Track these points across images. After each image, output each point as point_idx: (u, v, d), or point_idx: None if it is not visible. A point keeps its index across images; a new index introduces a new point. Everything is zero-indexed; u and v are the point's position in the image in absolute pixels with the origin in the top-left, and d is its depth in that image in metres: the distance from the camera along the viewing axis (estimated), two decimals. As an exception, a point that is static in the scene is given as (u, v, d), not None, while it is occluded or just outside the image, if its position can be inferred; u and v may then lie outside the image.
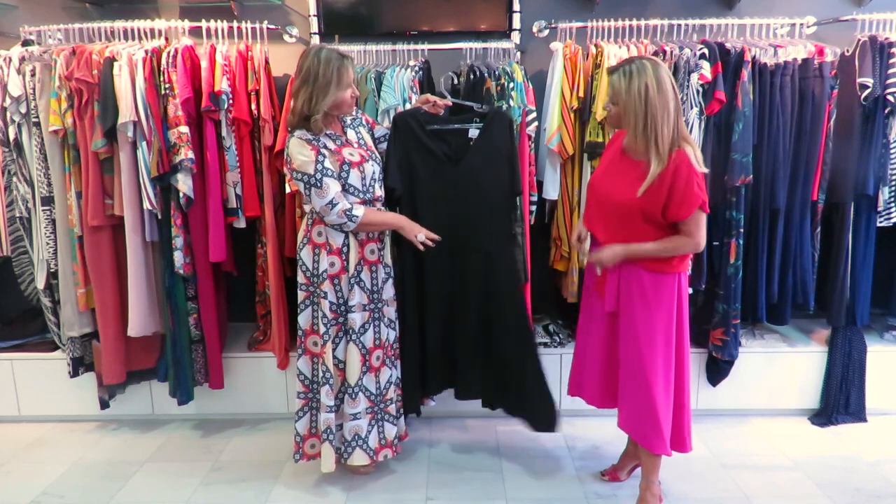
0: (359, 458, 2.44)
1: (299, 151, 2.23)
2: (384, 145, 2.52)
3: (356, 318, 2.37)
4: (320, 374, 2.40)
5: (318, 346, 2.40)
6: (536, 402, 2.58)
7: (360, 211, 2.25)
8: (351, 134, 2.39)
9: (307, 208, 2.37)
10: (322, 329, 2.36)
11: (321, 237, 2.34)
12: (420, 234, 2.35)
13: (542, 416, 2.60)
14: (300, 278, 2.40)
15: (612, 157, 2.25)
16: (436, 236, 2.37)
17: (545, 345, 3.02)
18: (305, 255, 2.37)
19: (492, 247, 2.53)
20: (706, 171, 2.10)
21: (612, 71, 2.10)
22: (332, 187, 2.22)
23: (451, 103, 2.55)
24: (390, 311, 2.48)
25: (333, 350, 2.39)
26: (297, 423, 2.48)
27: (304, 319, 2.42)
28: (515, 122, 2.61)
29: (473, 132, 2.49)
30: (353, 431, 2.42)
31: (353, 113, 2.45)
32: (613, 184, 2.17)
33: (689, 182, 2.00)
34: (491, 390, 2.65)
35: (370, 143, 2.44)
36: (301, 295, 2.41)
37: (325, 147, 2.27)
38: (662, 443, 2.17)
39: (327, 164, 2.24)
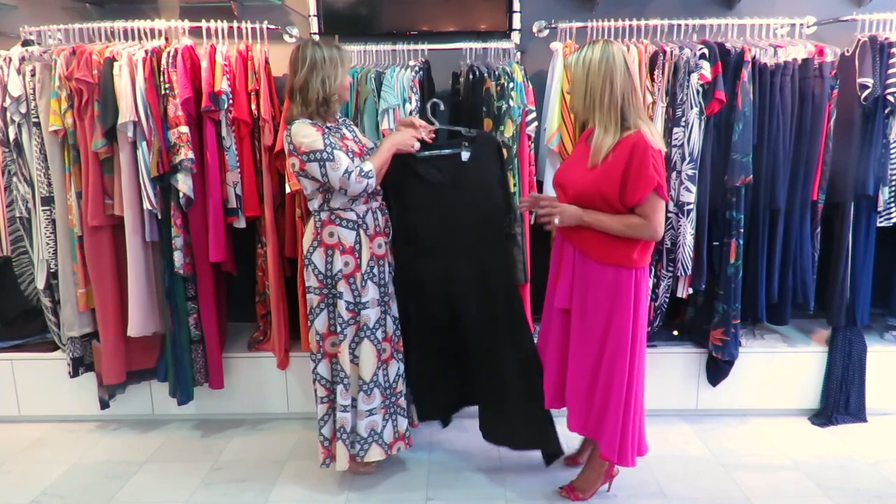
0: (375, 454, 2.44)
1: (304, 133, 2.22)
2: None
3: (370, 314, 2.38)
4: (336, 375, 2.41)
5: (335, 347, 2.40)
6: (539, 428, 2.50)
7: (368, 165, 2.27)
8: (346, 131, 2.42)
9: (313, 206, 2.35)
10: (339, 329, 2.37)
11: (332, 238, 2.33)
12: (416, 143, 2.40)
13: (544, 438, 2.51)
14: (312, 282, 2.37)
15: (576, 149, 2.28)
16: (431, 131, 2.44)
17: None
18: (317, 258, 2.35)
19: (488, 263, 2.48)
20: (664, 148, 2.10)
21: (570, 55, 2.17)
22: (343, 158, 2.23)
23: (434, 128, 2.49)
24: (396, 306, 2.50)
25: (352, 350, 2.39)
26: (323, 428, 2.47)
27: (320, 323, 2.40)
28: (509, 135, 2.62)
29: (465, 155, 2.47)
30: (369, 427, 2.42)
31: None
32: (574, 172, 2.18)
33: (644, 161, 1.99)
34: (496, 424, 2.57)
35: (365, 141, 2.47)
36: (315, 299, 2.38)
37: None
38: (611, 448, 2.17)
39: (332, 139, 2.26)
